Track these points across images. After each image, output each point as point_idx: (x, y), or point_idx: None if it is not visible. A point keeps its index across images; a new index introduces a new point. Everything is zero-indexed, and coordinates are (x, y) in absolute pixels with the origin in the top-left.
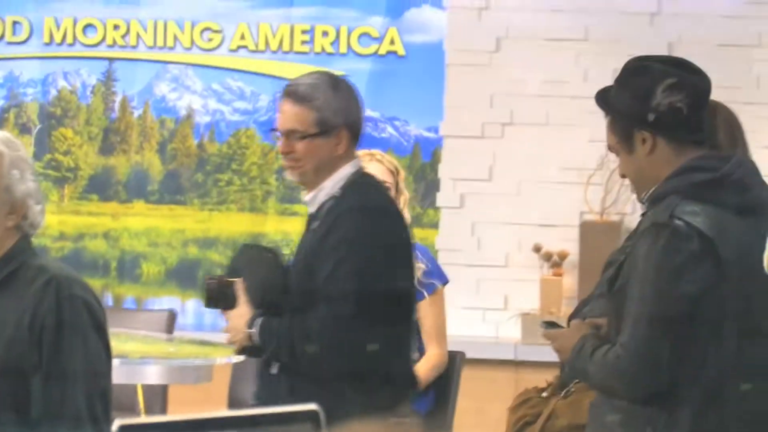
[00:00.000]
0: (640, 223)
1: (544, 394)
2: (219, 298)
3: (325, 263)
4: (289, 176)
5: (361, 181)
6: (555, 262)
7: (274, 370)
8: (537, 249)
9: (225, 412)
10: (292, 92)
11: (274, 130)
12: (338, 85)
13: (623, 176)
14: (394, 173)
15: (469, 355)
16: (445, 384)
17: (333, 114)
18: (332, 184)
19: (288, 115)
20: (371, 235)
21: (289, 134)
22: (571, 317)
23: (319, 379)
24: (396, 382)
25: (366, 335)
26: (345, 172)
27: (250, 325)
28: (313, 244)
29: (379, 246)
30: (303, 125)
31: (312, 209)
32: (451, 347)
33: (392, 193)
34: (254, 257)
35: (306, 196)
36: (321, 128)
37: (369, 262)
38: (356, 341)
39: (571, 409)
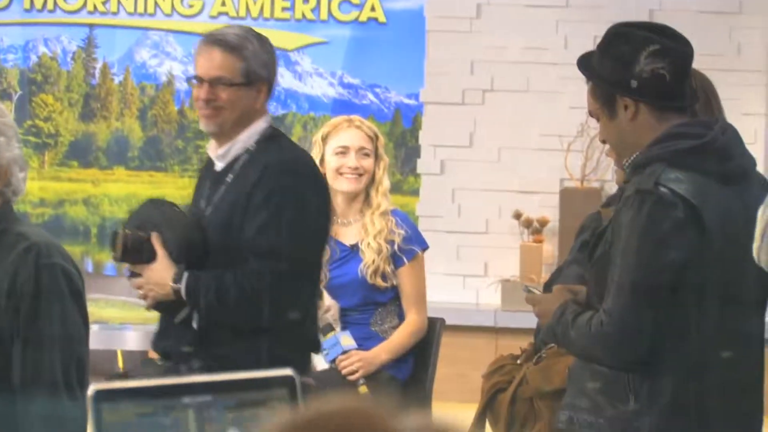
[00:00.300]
0: (620, 189)
1: (519, 361)
2: (135, 251)
3: (255, 217)
4: (206, 126)
5: (278, 135)
6: (535, 228)
7: (195, 324)
8: (517, 215)
9: (200, 377)
10: (222, 41)
11: (193, 77)
12: (262, 39)
13: (603, 141)
14: (373, 139)
15: (449, 321)
16: (424, 350)
17: (259, 66)
18: (247, 137)
19: (216, 62)
20: (303, 190)
21: (214, 81)
22: (547, 284)
23: (243, 334)
24: (309, 341)
25: (299, 291)
26: (260, 126)
27: (177, 280)
28: (234, 198)
29: (311, 202)
30: (231, 73)
31: (222, 163)
32: (431, 314)
33: (372, 159)
34: (167, 213)
35: (216, 149)
36: (247, 79)
37: (302, 218)
38: (291, 297)
39: (541, 375)
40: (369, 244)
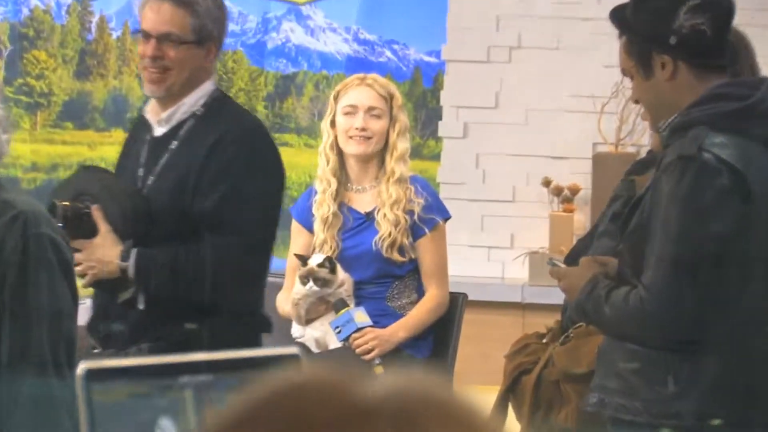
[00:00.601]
0: (649, 154)
1: (545, 341)
2: (75, 226)
3: (211, 190)
4: (152, 92)
5: (226, 99)
6: (566, 196)
7: (141, 305)
8: (546, 183)
9: (199, 355)
10: None
11: (140, 31)
12: None
13: (636, 101)
14: (386, 99)
15: (472, 296)
16: (445, 328)
17: (211, 23)
18: (194, 100)
19: (166, 16)
20: (262, 162)
21: (162, 38)
22: (569, 257)
23: (193, 314)
24: (263, 321)
25: (257, 268)
26: (207, 88)
27: (125, 258)
28: (183, 167)
29: (269, 174)
30: (181, 30)
31: (163, 128)
32: (453, 288)
33: (383, 121)
34: (106, 182)
35: (158, 112)
36: (197, 36)
37: (261, 191)
38: (249, 274)
39: (568, 356)
40: (385, 215)
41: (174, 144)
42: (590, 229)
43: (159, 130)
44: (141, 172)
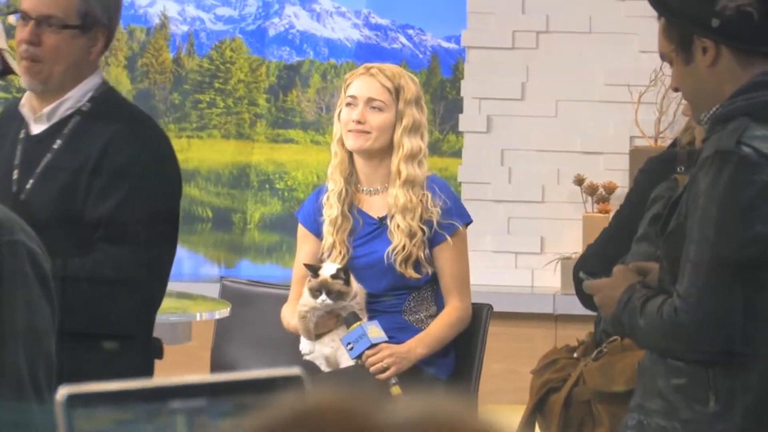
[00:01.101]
0: (680, 147)
1: (575, 355)
2: None
3: (105, 196)
4: (30, 83)
5: (115, 93)
6: (601, 196)
7: None
8: (579, 181)
9: (192, 377)
10: None
11: (17, 13)
12: None
13: (675, 89)
14: (391, 92)
15: (498, 308)
16: (468, 343)
17: (100, 7)
18: (79, 94)
19: None
20: (160, 166)
21: (42, 21)
22: (578, 267)
23: (84, 337)
24: (155, 344)
25: (162, 282)
26: (93, 81)
27: None
28: (70, 170)
29: (168, 179)
30: (64, 12)
31: (43, 125)
32: (476, 299)
33: (386, 115)
34: None
35: (37, 107)
36: (83, 21)
37: (160, 198)
38: (156, 287)
39: (601, 374)
40: (398, 224)
41: (57, 143)
42: (602, 232)
43: (37, 128)
44: (16, 174)
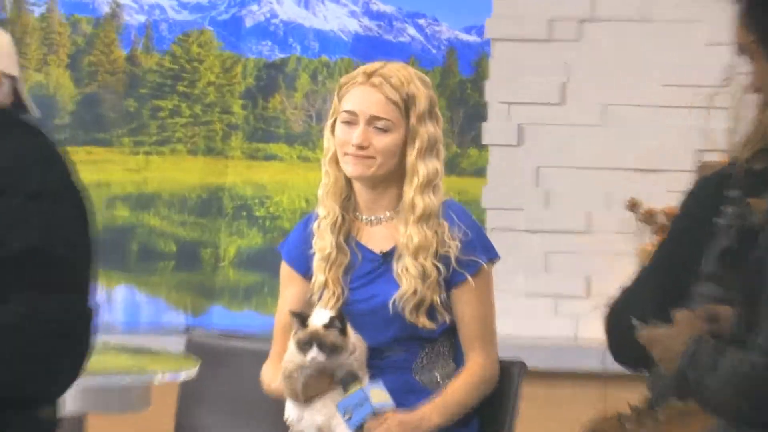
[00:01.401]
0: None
1: (627, 426)
2: None
3: (17, 232)
4: None
5: (10, 112)
6: (661, 224)
7: None
8: (633, 205)
9: None
10: None
11: None
12: None
13: (757, 90)
14: (399, 105)
15: (533, 364)
16: (496, 410)
17: None
18: None
19: None
20: (72, 193)
21: None
22: (618, 313)
23: None
24: (56, 411)
25: (83, 334)
26: None
27: None
28: None
29: (81, 207)
30: None
31: None
32: (505, 353)
33: (394, 136)
34: None
35: None
36: None
37: (81, 231)
38: (76, 341)
39: None
40: (406, 267)
41: None
42: (642, 271)
43: None
44: None
